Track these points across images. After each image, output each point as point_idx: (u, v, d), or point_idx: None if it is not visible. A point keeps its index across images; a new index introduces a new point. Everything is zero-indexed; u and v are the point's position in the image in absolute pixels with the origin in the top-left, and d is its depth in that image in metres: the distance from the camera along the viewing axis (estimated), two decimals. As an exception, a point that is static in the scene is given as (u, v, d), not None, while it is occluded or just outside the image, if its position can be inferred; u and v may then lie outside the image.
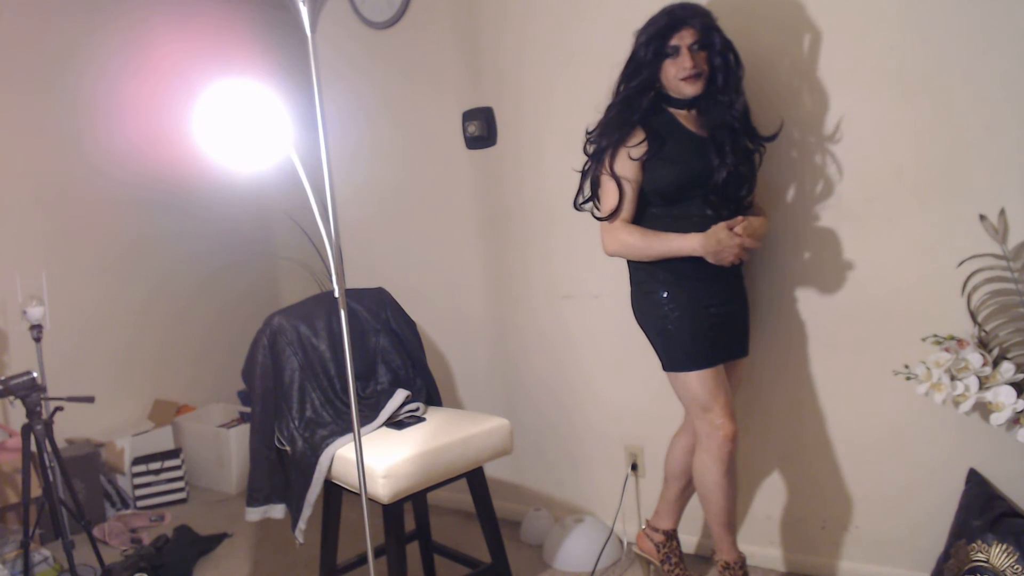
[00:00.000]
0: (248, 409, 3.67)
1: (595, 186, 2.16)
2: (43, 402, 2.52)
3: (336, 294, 1.79)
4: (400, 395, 2.33)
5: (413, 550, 2.48)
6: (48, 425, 2.59)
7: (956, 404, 1.95)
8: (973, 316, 2.01)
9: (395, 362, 2.48)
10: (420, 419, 2.30)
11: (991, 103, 1.99)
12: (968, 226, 2.02)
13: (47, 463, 2.51)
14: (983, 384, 1.91)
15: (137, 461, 3.57)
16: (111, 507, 3.46)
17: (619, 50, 2.11)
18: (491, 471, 2.91)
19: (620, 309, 2.35)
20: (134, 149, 3.78)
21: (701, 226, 2.03)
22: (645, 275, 2.13)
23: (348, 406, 2.32)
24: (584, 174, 2.18)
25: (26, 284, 3.10)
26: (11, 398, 2.48)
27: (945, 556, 2.04)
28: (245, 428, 3.64)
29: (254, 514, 2.33)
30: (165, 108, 3.65)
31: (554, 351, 2.87)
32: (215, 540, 3.10)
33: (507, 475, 3.07)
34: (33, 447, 2.53)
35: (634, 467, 2.71)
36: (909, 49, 2.07)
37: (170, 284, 4.05)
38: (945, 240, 2.07)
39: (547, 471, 2.99)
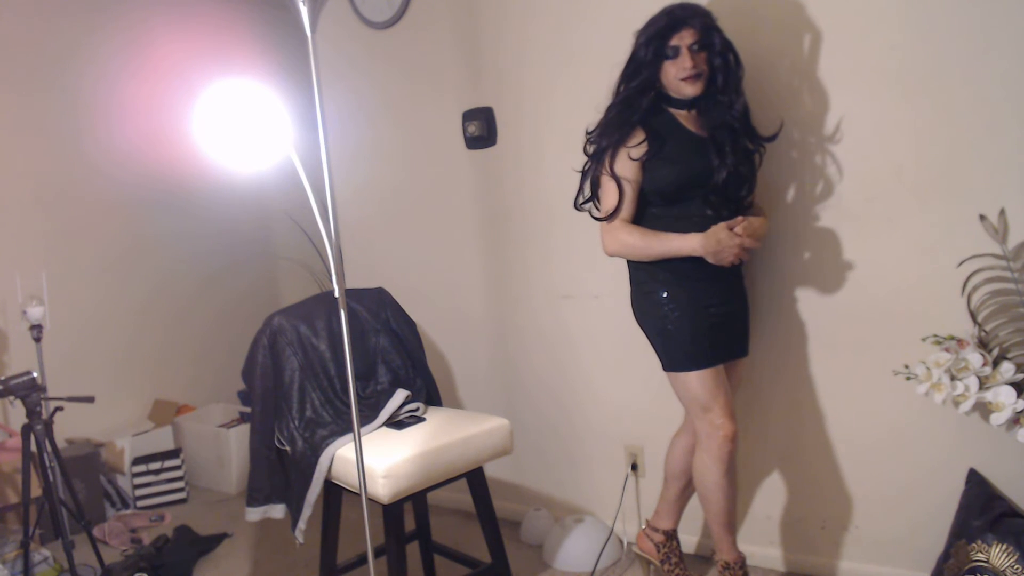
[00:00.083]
0: (248, 409, 3.67)
1: (595, 186, 2.16)
2: (43, 402, 2.52)
3: (336, 294, 1.79)
4: (400, 395, 2.33)
5: (413, 550, 2.48)
6: (48, 425, 2.58)
7: (956, 404, 1.95)
8: (973, 316, 2.01)
9: (395, 362, 2.48)
10: (420, 419, 2.30)
11: (991, 103, 1.99)
12: (968, 226, 2.02)
13: (47, 463, 2.51)
14: (983, 384, 1.91)
15: (137, 461, 3.57)
16: (111, 507, 3.46)
17: (619, 50, 2.11)
18: (491, 471, 2.91)
19: (620, 309, 2.35)
20: (134, 149, 3.78)
21: (701, 226, 2.03)
22: (645, 275, 2.13)
23: (348, 406, 2.32)
24: (584, 174, 2.18)
25: (26, 284, 3.10)
26: (11, 398, 2.48)
27: (945, 556, 2.04)
28: (245, 428, 3.64)
29: (254, 514, 2.33)
30: (165, 108, 3.65)
31: (554, 351, 2.87)
32: (215, 540, 3.10)
33: (507, 475, 3.07)
34: (33, 447, 2.53)
35: (634, 467, 2.71)
36: (909, 49, 2.07)
37: (170, 284, 4.05)
38: (945, 240, 2.07)
39: (547, 471, 2.99)
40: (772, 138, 2.15)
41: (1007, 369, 1.90)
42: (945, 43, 2.02)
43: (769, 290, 2.37)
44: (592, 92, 2.31)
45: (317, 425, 2.25)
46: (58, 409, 2.60)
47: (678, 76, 2.01)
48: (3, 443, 3.13)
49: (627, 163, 2.06)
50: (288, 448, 2.26)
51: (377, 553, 2.26)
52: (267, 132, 1.73)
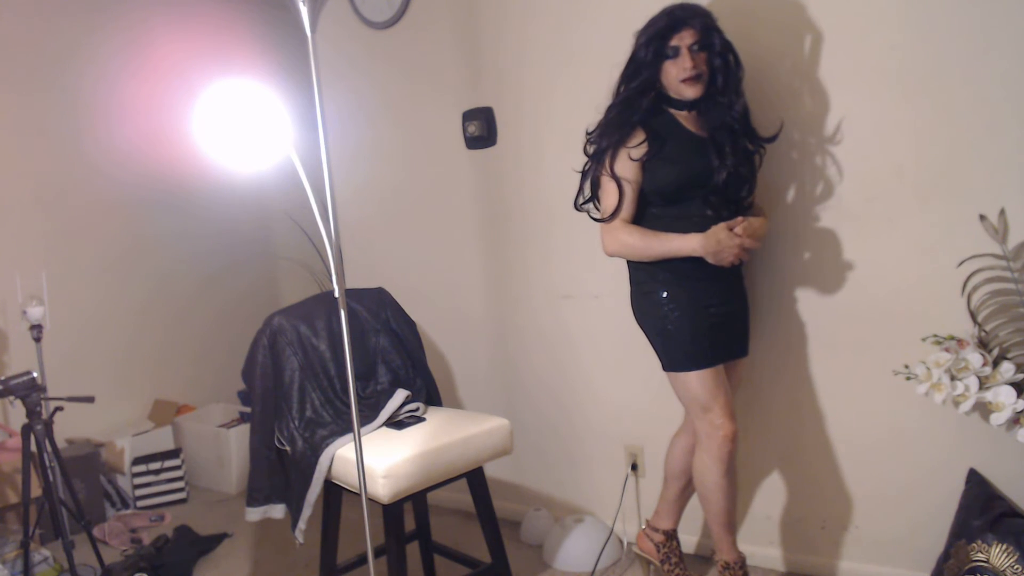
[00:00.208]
0: (248, 409, 3.66)
1: (595, 186, 2.16)
2: (43, 402, 2.52)
3: (336, 294, 1.79)
4: (400, 395, 2.33)
5: (413, 550, 2.48)
6: (48, 425, 2.58)
7: (956, 404, 1.95)
8: (973, 316, 2.01)
9: (395, 362, 2.48)
10: (420, 419, 2.30)
11: (991, 103, 1.99)
12: (968, 226, 2.02)
13: (47, 463, 2.51)
14: (983, 384, 1.91)
15: (137, 461, 3.57)
16: (111, 507, 3.46)
17: (619, 50, 2.11)
18: (491, 471, 2.91)
19: (620, 309, 2.35)
20: (134, 149, 3.78)
21: (701, 226, 2.03)
22: (645, 275, 2.13)
23: (348, 406, 2.32)
24: (584, 174, 2.18)
25: (26, 284, 3.10)
26: (11, 398, 2.48)
27: (945, 556, 2.04)
28: (245, 428, 3.64)
29: (254, 514, 2.33)
30: (165, 108, 3.65)
31: (554, 351, 2.87)
32: (215, 540, 3.10)
33: (507, 475, 3.07)
34: (33, 447, 2.53)
35: (634, 467, 2.71)
36: (909, 49, 2.07)
37: (170, 284, 4.05)
38: (945, 240, 2.07)
39: (547, 471, 2.99)
40: (772, 139, 2.15)
41: (1007, 369, 1.90)
42: (945, 43, 2.02)
43: (769, 290, 2.37)
44: (592, 92, 2.31)
45: (317, 425, 2.25)
46: (58, 409, 2.60)
47: (678, 77, 2.01)
48: (3, 443, 3.12)
49: (627, 163, 2.06)
50: (288, 448, 2.26)
51: (377, 553, 2.26)
52: (267, 132, 1.73)
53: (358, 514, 1.87)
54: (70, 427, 3.48)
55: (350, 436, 2.16)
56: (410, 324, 2.58)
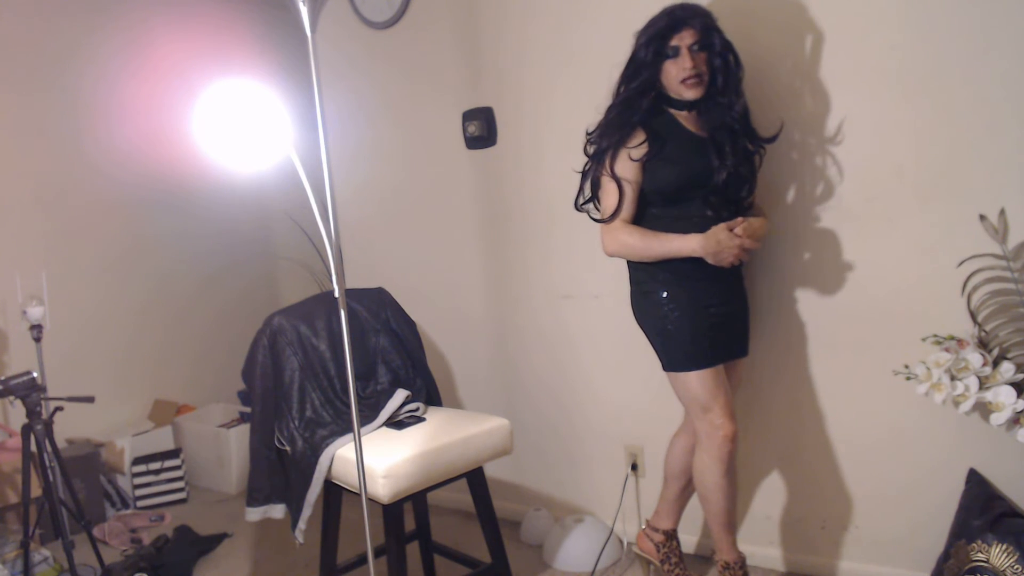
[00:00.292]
0: (248, 409, 3.67)
1: (595, 187, 2.16)
2: (43, 402, 2.52)
3: (336, 294, 1.79)
4: (400, 395, 2.33)
5: (413, 550, 2.48)
6: (48, 425, 2.58)
7: (956, 404, 1.95)
8: (973, 316, 2.01)
9: (395, 362, 2.48)
10: (420, 419, 2.30)
11: (991, 103, 1.99)
12: (968, 226, 2.02)
13: (47, 463, 2.51)
14: (983, 384, 1.91)
15: (137, 461, 3.57)
16: (111, 507, 3.46)
17: (619, 50, 2.11)
18: (491, 471, 2.91)
19: (620, 309, 2.35)
20: (134, 149, 3.78)
21: (701, 227, 2.03)
22: (645, 275, 2.13)
23: (348, 406, 2.32)
24: (584, 175, 2.18)
25: (26, 284, 3.10)
26: (11, 398, 2.48)
27: (945, 556, 2.04)
28: (245, 428, 3.64)
29: (254, 514, 2.33)
30: (165, 108, 3.65)
31: (554, 351, 2.87)
32: (215, 540, 3.10)
33: (507, 475, 3.07)
34: (33, 447, 2.53)
35: (634, 467, 2.71)
36: (909, 49, 2.07)
37: (170, 284, 4.05)
38: (945, 240, 2.07)
39: (547, 471, 2.99)
40: (772, 139, 2.15)
41: (1007, 369, 1.90)
42: (945, 43, 2.02)
43: (769, 290, 2.37)
44: (592, 92, 2.31)
45: (317, 425, 2.25)
46: (58, 409, 2.60)
47: (679, 77, 2.01)
48: (3, 443, 3.13)
49: (628, 164, 2.06)
50: (288, 448, 2.26)
51: (377, 553, 2.26)
52: (267, 132, 1.73)
53: (358, 514, 1.87)
54: (70, 427, 3.48)
55: (350, 436, 2.16)
56: (410, 324, 2.58)
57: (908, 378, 2.05)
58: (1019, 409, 1.87)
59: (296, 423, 2.26)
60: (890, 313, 2.19)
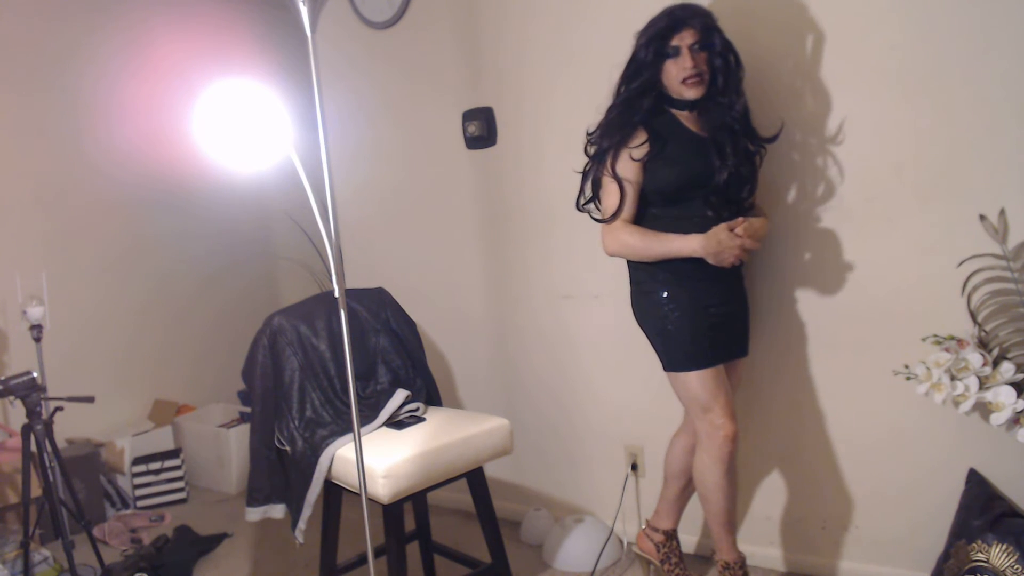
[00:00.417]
0: (248, 409, 3.67)
1: (596, 187, 2.16)
2: (43, 402, 2.52)
3: (336, 294, 1.79)
4: (400, 395, 2.33)
5: (413, 550, 2.48)
6: (48, 425, 2.58)
7: (956, 404, 1.95)
8: (973, 316, 2.01)
9: (395, 362, 2.48)
10: (420, 419, 2.30)
11: (991, 103, 1.99)
12: (968, 226, 2.02)
13: (47, 463, 2.51)
14: (983, 384, 1.91)
15: (137, 461, 3.57)
16: (111, 507, 3.46)
17: (619, 50, 2.11)
18: (491, 471, 2.91)
19: (620, 309, 2.35)
20: (134, 149, 3.78)
21: (702, 227, 2.03)
22: (645, 275, 2.13)
23: (348, 406, 2.32)
24: (585, 175, 2.18)
25: (26, 284, 3.10)
26: (11, 398, 2.48)
27: (945, 556, 2.04)
28: (245, 428, 3.64)
29: (254, 514, 2.33)
30: (165, 108, 3.65)
31: (554, 351, 2.87)
32: (215, 540, 3.10)
33: (507, 475, 3.07)
34: (33, 447, 2.53)
35: (634, 467, 2.71)
36: (909, 49, 2.07)
37: (170, 284, 4.05)
38: (945, 240, 2.07)
39: (547, 471, 2.99)
40: (772, 139, 2.15)
41: (1007, 369, 1.90)
42: (945, 43, 2.02)
43: (769, 290, 2.37)
44: (592, 92, 2.32)
45: (317, 425, 2.25)
46: (58, 409, 2.60)
47: (679, 77, 2.01)
48: (3, 443, 3.12)
49: (628, 164, 2.06)
50: (288, 448, 2.26)
51: (377, 553, 2.26)
52: (267, 132, 1.73)
53: (358, 514, 1.87)
54: (70, 427, 3.48)
55: (350, 436, 2.16)
56: (410, 324, 2.58)
57: (908, 378, 2.05)
58: (1019, 409, 1.87)
59: (296, 423, 2.26)
60: (890, 313, 2.19)
